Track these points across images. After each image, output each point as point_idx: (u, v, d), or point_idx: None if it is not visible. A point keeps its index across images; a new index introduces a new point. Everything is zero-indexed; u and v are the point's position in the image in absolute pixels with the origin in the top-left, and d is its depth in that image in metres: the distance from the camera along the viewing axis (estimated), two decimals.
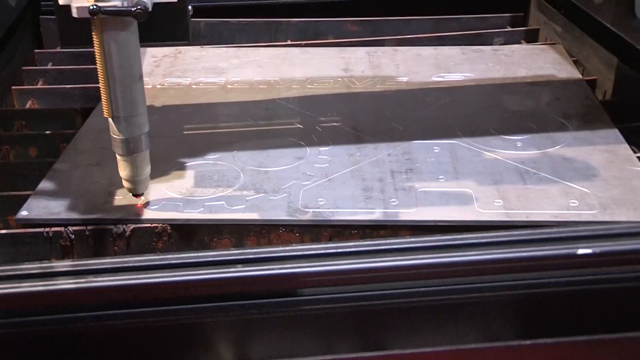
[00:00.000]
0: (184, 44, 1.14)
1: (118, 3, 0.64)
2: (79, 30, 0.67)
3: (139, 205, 0.77)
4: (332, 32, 1.22)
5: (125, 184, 0.75)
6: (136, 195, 0.76)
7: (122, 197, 0.78)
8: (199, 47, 1.18)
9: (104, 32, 0.66)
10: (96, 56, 0.68)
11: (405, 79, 1.06)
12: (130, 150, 0.72)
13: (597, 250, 0.61)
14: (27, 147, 0.93)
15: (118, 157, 0.73)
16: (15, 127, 0.98)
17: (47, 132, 0.95)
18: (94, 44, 0.67)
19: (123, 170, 0.74)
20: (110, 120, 0.71)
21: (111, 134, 0.72)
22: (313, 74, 1.08)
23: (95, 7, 0.63)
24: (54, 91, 1.06)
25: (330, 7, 1.24)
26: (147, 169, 0.75)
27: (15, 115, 1.00)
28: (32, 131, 0.97)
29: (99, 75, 0.68)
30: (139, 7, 0.64)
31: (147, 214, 0.76)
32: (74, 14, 0.65)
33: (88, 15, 0.64)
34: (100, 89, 0.69)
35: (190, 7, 0.71)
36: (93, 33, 0.67)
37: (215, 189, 0.79)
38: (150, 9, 0.65)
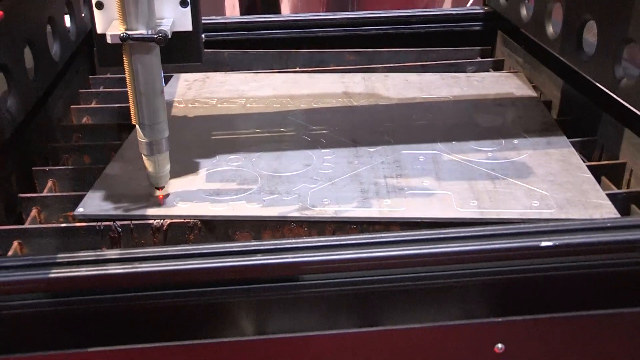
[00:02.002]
0: (198, 65, 1.14)
1: (143, 31, 0.64)
2: (112, 53, 0.68)
3: (160, 196, 0.76)
4: (334, 60, 1.21)
5: (149, 178, 0.75)
6: (158, 188, 0.76)
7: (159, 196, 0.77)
8: (223, 73, 1.17)
9: (132, 54, 0.67)
10: (126, 74, 0.68)
11: (395, 100, 1.05)
12: (153, 151, 0.72)
13: (557, 242, 0.60)
14: (82, 156, 0.92)
15: (143, 156, 0.74)
16: (73, 139, 0.97)
17: (99, 143, 0.94)
18: (124, 64, 0.68)
19: (147, 168, 0.74)
20: (137, 126, 0.71)
21: (138, 137, 0.72)
22: (318, 95, 1.07)
23: (125, 34, 0.64)
24: (104, 109, 1.06)
25: (332, 40, 1.23)
26: (167, 167, 0.75)
27: (73, 129, 0.99)
28: (87, 142, 0.96)
29: (128, 90, 0.69)
30: (160, 34, 0.65)
31: (181, 211, 0.75)
32: (108, 40, 0.65)
33: (119, 41, 0.65)
34: (129, 100, 0.70)
35: (203, 35, 0.72)
36: (123, 56, 0.67)
37: (238, 191, 0.78)
38: (169, 36, 0.66)
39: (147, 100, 0.69)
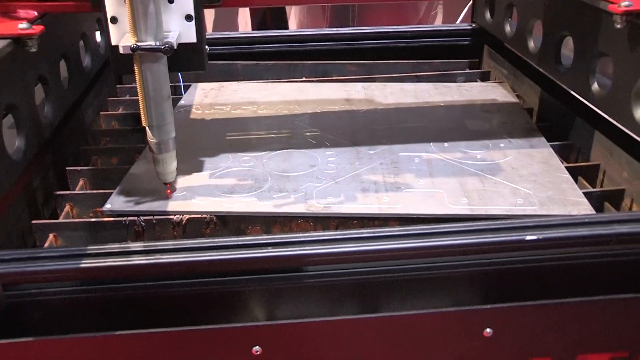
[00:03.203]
0: (214, 75, 1.16)
1: (152, 43, 0.64)
2: (125, 62, 0.67)
3: (168, 191, 0.76)
4: (337, 71, 1.20)
5: (157, 174, 0.74)
6: (165, 184, 0.75)
7: (179, 196, 0.76)
8: (236, 82, 1.16)
9: (142, 63, 0.67)
10: (136, 81, 0.68)
11: (392, 106, 1.04)
12: (161, 150, 0.72)
13: (540, 236, 0.59)
14: (110, 157, 0.91)
15: (152, 155, 0.73)
16: (102, 142, 0.96)
17: (125, 145, 0.93)
18: (135, 72, 0.67)
19: (156, 165, 0.73)
20: (146, 128, 0.71)
21: (147, 138, 0.72)
22: (322, 102, 1.06)
23: (135, 45, 0.64)
24: (130, 115, 1.05)
25: (335, 53, 1.22)
26: (174, 164, 0.74)
27: (102, 133, 0.98)
28: (114, 145, 0.95)
29: (139, 95, 0.69)
30: (166, 45, 0.65)
31: (198, 207, 0.74)
32: (121, 50, 0.65)
33: (130, 52, 0.65)
34: (140, 104, 0.69)
35: (206, 47, 0.71)
36: (134, 64, 0.67)
37: (250, 189, 0.77)
38: (175, 47, 0.66)
39: (156, 104, 0.69)
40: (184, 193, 0.76)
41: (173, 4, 0.67)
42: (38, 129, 0.77)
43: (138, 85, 0.68)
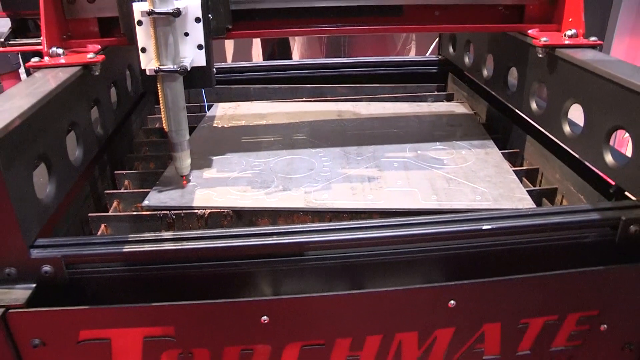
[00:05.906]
0: (232, 96, 1.15)
1: (171, 66, 0.66)
2: (151, 81, 0.69)
3: (184, 182, 0.76)
4: (330, 93, 1.18)
5: (175, 169, 0.75)
6: (182, 176, 0.76)
7: (202, 194, 0.75)
8: (249, 102, 1.14)
9: (163, 82, 0.68)
10: (159, 96, 0.69)
11: (375, 121, 1.02)
12: (178, 149, 0.73)
13: (494, 226, 0.58)
14: (148, 163, 0.90)
15: (172, 153, 0.74)
16: (142, 151, 0.95)
17: (160, 153, 0.92)
18: (158, 88, 0.69)
19: (174, 161, 0.75)
20: (167, 132, 0.72)
21: (168, 140, 0.73)
22: (319, 117, 1.04)
23: (158, 68, 0.66)
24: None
25: (329, 78, 1.20)
26: (188, 161, 0.75)
27: (143, 144, 0.97)
28: (152, 153, 0.94)
29: (161, 106, 0.70)
30: (182, 68, 0.66)
31: (217, 203, 0.72)
32: (147, 72, 0.67)
33: (154, 73, 0.67)
34: (162, 114, 0.71)
35: (214, 69, 0.72)
36: (157, 82, 0.68)
37: (259, 188, 0.76)
38: (189, 69, 0.67)
39: (174, 113, 0.71)
40: (207, 191, 0.75)
41: (188, 37, 0.68)
42: (94, 141, 0.77)
43: (160, 99, 0.69)
